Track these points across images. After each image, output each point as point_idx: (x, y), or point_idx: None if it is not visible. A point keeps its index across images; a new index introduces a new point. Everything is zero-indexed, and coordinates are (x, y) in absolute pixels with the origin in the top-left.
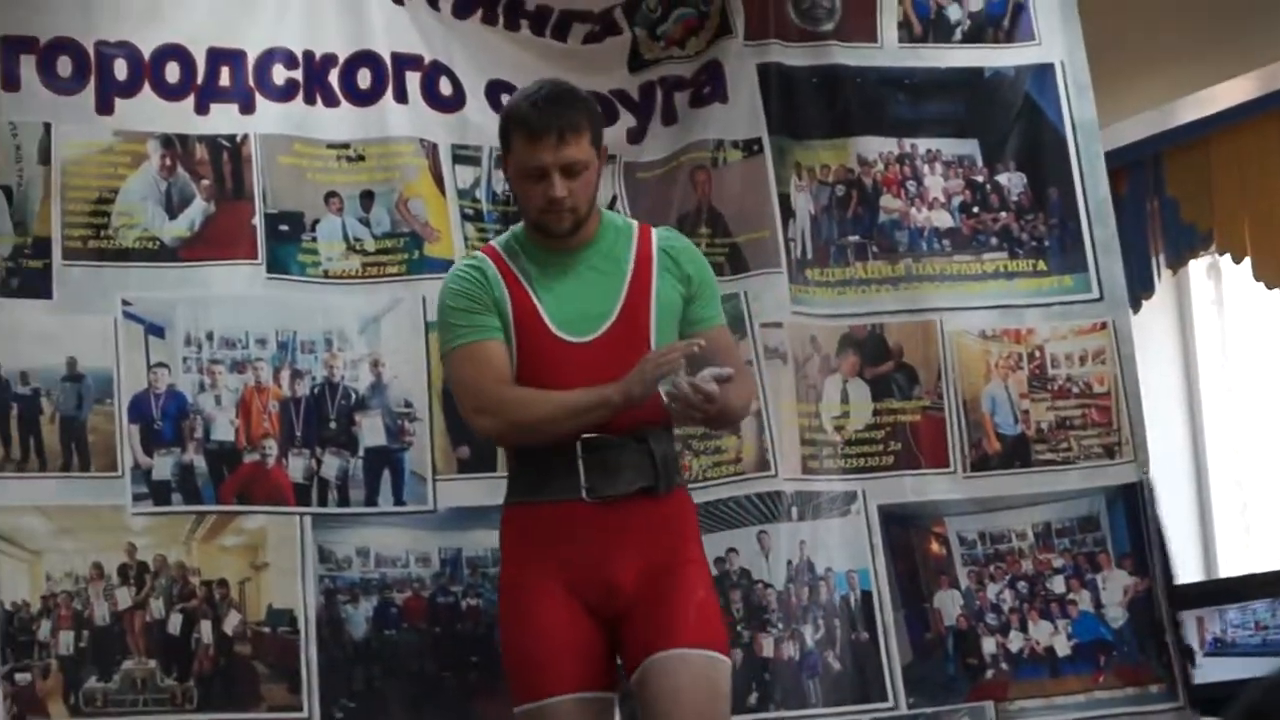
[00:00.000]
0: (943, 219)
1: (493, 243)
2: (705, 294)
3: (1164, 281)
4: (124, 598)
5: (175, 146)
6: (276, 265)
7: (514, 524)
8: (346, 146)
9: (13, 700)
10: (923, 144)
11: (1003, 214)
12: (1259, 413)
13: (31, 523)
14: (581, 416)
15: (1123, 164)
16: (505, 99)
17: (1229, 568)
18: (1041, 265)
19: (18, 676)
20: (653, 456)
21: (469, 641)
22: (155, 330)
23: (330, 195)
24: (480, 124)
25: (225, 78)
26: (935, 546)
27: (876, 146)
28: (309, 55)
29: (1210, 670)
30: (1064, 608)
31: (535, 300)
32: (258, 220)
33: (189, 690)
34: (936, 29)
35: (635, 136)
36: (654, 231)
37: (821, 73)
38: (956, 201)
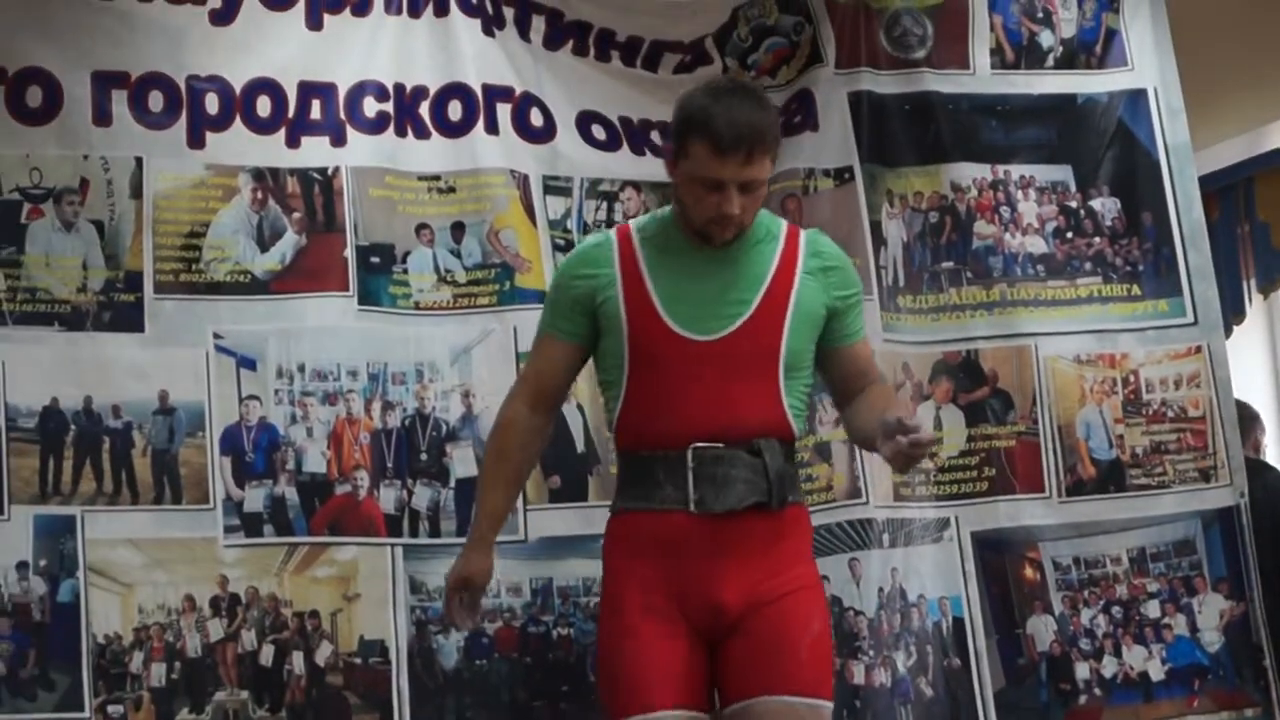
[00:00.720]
0: (1037, 244)
1: (633, 225)
2: (853, 307)
3: (1255, 305)
4: (216, 629)
5: (266, 179)
6: (368, 297)
7: (617, 533)
8: (438, 178)
9: None
10: (1016, 170)
11: (1097, 239)
12: None
13: (124, 555)
14: (477, 498)
15: (1214, 188)
16: (596, 129)
17: None
18: (1136, 290)
19: (110, 709)
20: (767, 470)
21: (560, 670)
22: (247, 363)
23: (421, 227)
24: (570, 154)
25: (316, 111)
26: (1029, 572)
27: (970, 173)
28: (399, 87)
29: None
30: (1159, 632)
31: (650, 289)
32: (349, 252)
33: None
34: (1029, 55)
35: None
36: (803, 234)
37: (913, 100)
38: (1050, 227)
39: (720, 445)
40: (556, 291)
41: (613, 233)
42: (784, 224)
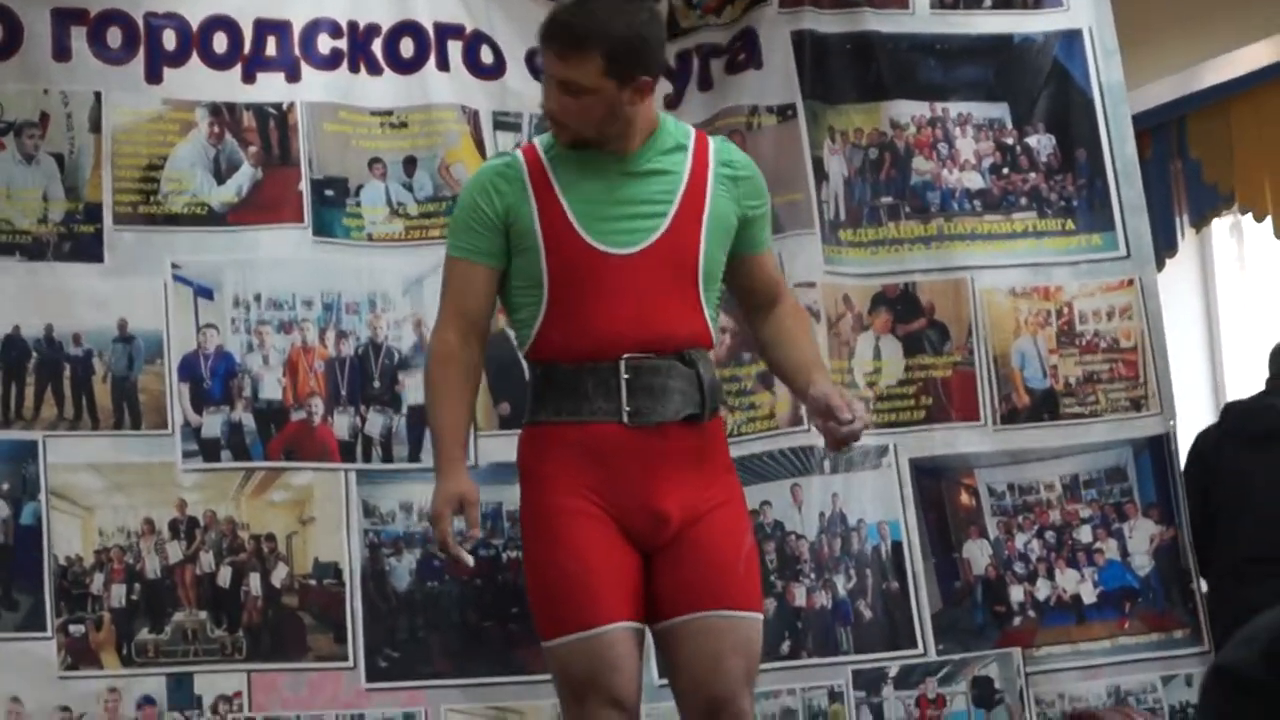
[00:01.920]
0: (973, 180)
1: (537, 143)
2: (763, 217)
3: (1187, 240)
4: (175, 552)
5: (223, 114)
6: (322, 229)
7: (539, 444)
8: (390, 114)
9: (67, 651)
10: (954, 108)
11: (1032, 175)
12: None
13: (84, 480)
14: (432, 427)
15: (1147, 127)
16: None
17: None
18: (1070, 224)
19: (71, 629)
20: (700, 380)
21: (510, 592)
22: (204, 292)
23: (374, 161)
24: (520, 91)
25: (272, 47)
26: (965, 498)
27: (909, 110)
28: (353, 25)
29: None
30: (1091, 556)
31: (564, 205)
32: (304, 185)
33: (238, 641)
34: None
35: (672, 102)
36: (712, 142)
37: (854, 39)
38: (987, 163)
39: (654, 355)
40: (465, 213)
41: (516, 154)
42: (692, 131)
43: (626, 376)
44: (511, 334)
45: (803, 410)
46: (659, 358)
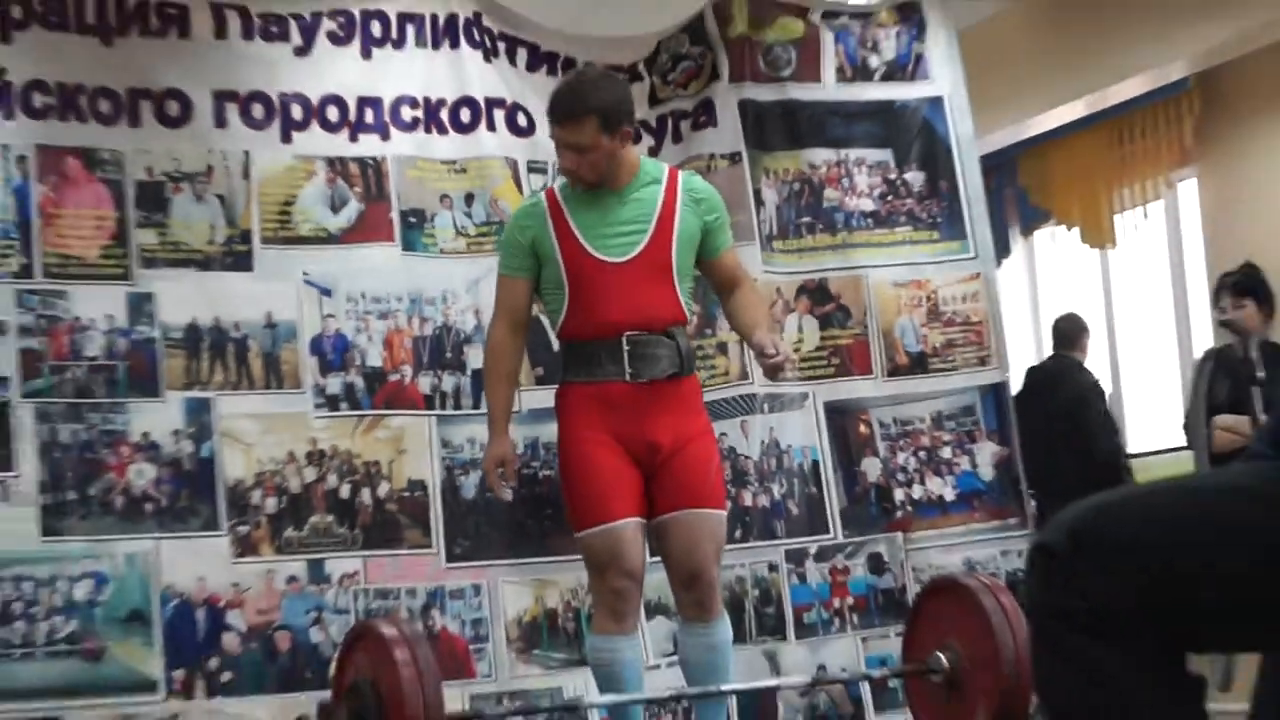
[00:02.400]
0: (867, 204)
1: (555, 186)
2: (720, 226)
3: (1018, 245)
4: (310, 474)
5: (335, 165)
6: (408, 245)
7: (569, 398)
8: (454, 163)
9: (236, 544)
10: (853, 153)
11: (909, 200)
12: None
13: (246, 425)
14: (487, 401)
15: (990, 164)
16: None
17: None
18: (935, 235)
19: (239, 529)
20: (679, 349)
21: (544, 499)
22: (325, 292)
23: (443, 197)
24: (546, 145)
25: (369, 117)
26: (863, 429)
27: (822, 156)
28: (427, 99)
29: None
30: (950, 468)
31: (575, 230)
32: (394, 215)
33: (355, 536)
34: (862, 73)
35: (653, 152)
36: (680, 176)
37: (782, 104)
38: (877, 192)
39: (646, 333)
40: (508, 242)
41: (540, 196)
42: (665, 168)
43: (627, 348)
44: (545, 319)
45: (747, 369)
46: (650, 334)
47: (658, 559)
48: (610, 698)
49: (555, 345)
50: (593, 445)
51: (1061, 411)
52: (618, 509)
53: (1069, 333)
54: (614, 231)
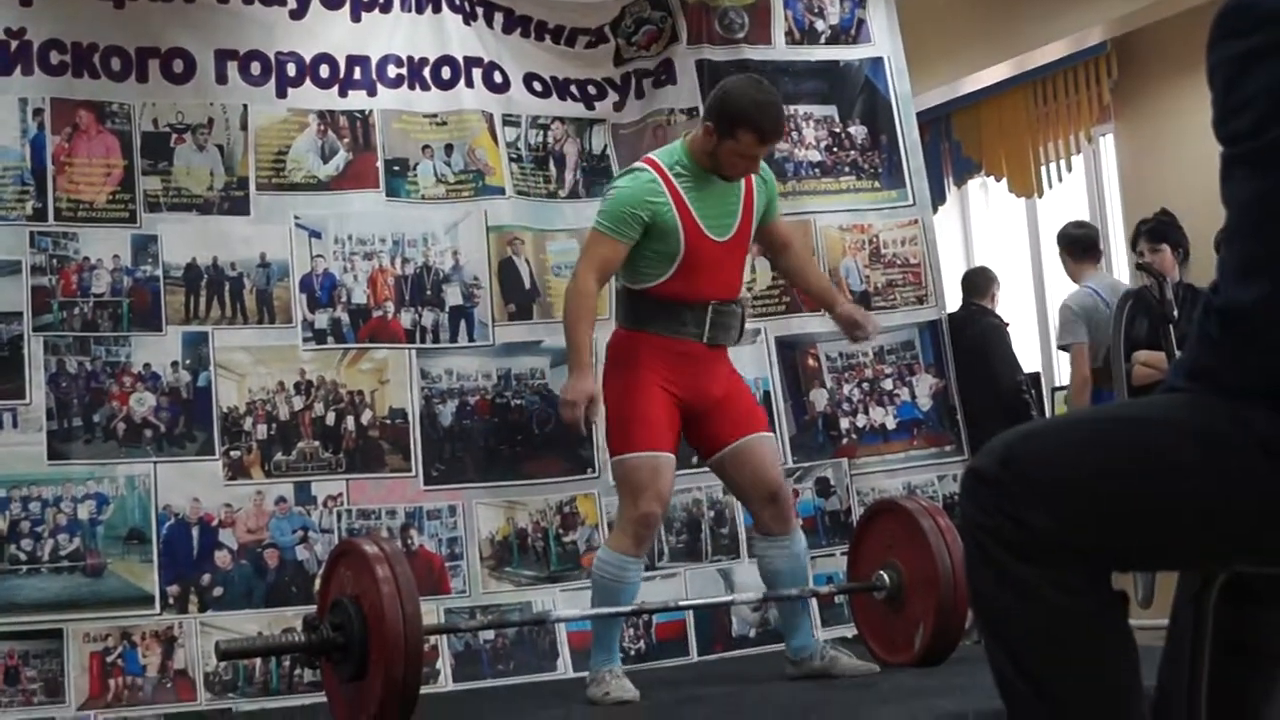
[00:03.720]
0: (814, 156)
1: (661, 162)
2: (775, 196)
3: (952, 194)
4: (298, 403)
5: (326, 118)
6: (392, 192)
7: (642, 344)
8: (436, 115)
9: (228, 467)
10: (802, 108)
11: (853, 152)
12: (1008, 278)
13: (239, 356)
14: (569, 340)
15: (926, 119)
16: (536, 84)
17: None
18: (877, 185)
19: (232, 453)
20: (742, 320)
21: (517, 427)
22: (315, 234)
23: (425, 147)
24: (520, 100)
25: (358, 74)
26: (811, 362)
27: None
28: (410, 58)
29: None
30: (892, 398)
31: (693, 212)
32: (379, 164)
33: (340, 460)
34: (809, 35)
35: (618, 107)
36: None
37: (736, 63)
38: (824, 144)
39: (726, 303)
40: (629, 209)
41: (652, 171)
42: None
43: (711, 316)
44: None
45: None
46: (728, 305)
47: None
48: (600, 611)
49: (539, 286)
50: (657, 386)
51: (970, 350)
52: (666, 442)
53: (978, 283)
54: (718, 213)
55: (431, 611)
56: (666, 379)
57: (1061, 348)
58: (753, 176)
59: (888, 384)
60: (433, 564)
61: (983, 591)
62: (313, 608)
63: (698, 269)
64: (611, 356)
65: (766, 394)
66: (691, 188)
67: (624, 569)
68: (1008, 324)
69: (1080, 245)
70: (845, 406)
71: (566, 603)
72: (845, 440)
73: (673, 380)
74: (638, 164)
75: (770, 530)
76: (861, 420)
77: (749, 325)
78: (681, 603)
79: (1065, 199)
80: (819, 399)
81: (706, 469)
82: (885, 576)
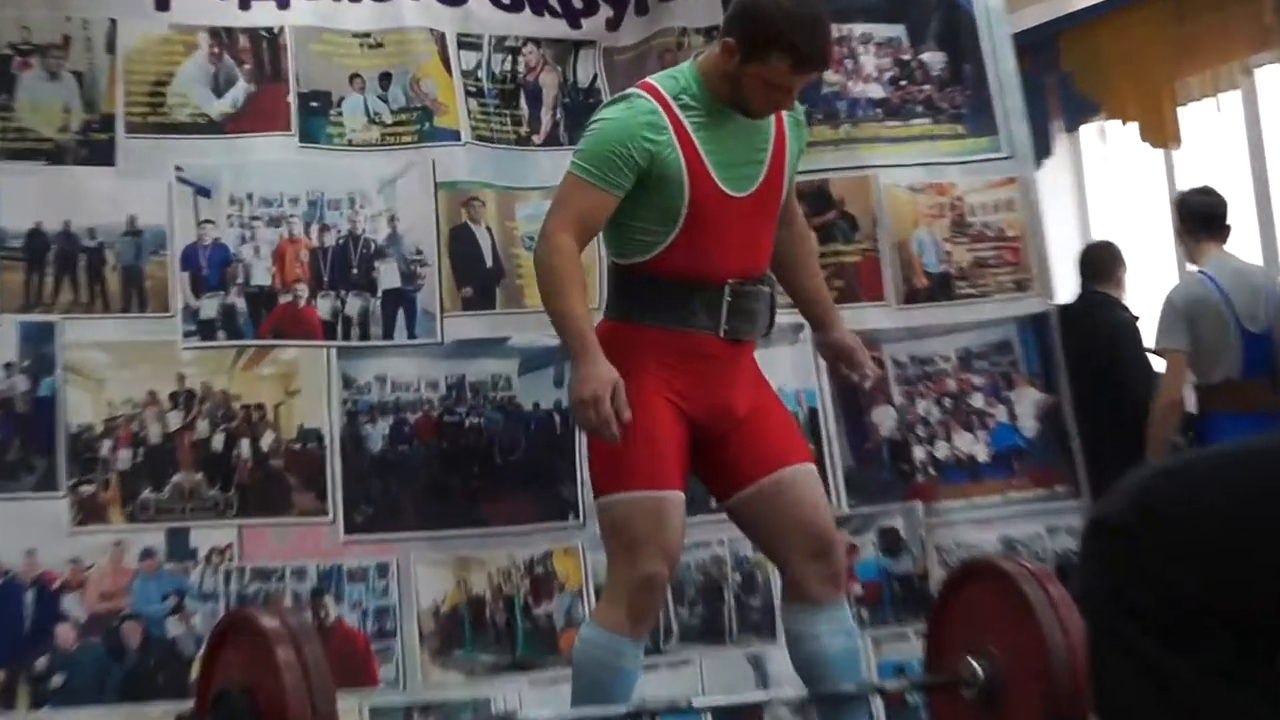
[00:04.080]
0: (876, 91)
1: (662, 89)
2: (801, 153)
3: (1061, 143)
4: (174, 420)
5: (222, 37)
6: (308, 136)
7: (638, 341)
8: (368, 35)
9: (78, 508)
10: (858, 28)
11: (926, 86)
12: (1139, 256)
13: (96, 356)
14: (557, 321)
15: (1025, 44)
16: None
17: None
18: (960, 129)
19: (82, 488)
20: (773, 303)
21: (472, 454)
22: (203, 192)
23: (354, 77)
24: (481, 15)
25: None
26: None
27: None
28: None
29: None
30: (983, 420)
31: (703, 156)
32: (291, 99)
33: (230, 499)
34: None
35: (613, 25)
36: None
37: None
38: (887, 76)
39: (748, 281)
40: (618, 147)
41: (653, 100)
42: None
43: (729, 299)
44: (606, 242)
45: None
46: (753, 284)
47: None
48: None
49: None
50: (660, 400)
51: (1090, 354)
52: (669, 476)
53: (1100, 263)
54: (738, 159)
55: (353, 710)
56: (672, 389)
57: (1154, 353)
58: (786, 119)
59: (978, 400)
60: (355, 644)
61: (1109, 685)
62: (188, 703)
63: (708, 233)
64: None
65: (812, 413)
66: (703, 124)
67: (617, 653)
68: (1139, 318)
69: (1201, 218)
70: (920, 431)
71: (538, 701)
72: (920, 477)
73: (680, 390)
74: (633, 89)
75: (815, 597)
76: (942, 450)
77: (786, 318)
78: (697, 702)
79: (1213, 149)
80: (884, 420)
81: (724, 516)
82: (976, 667)
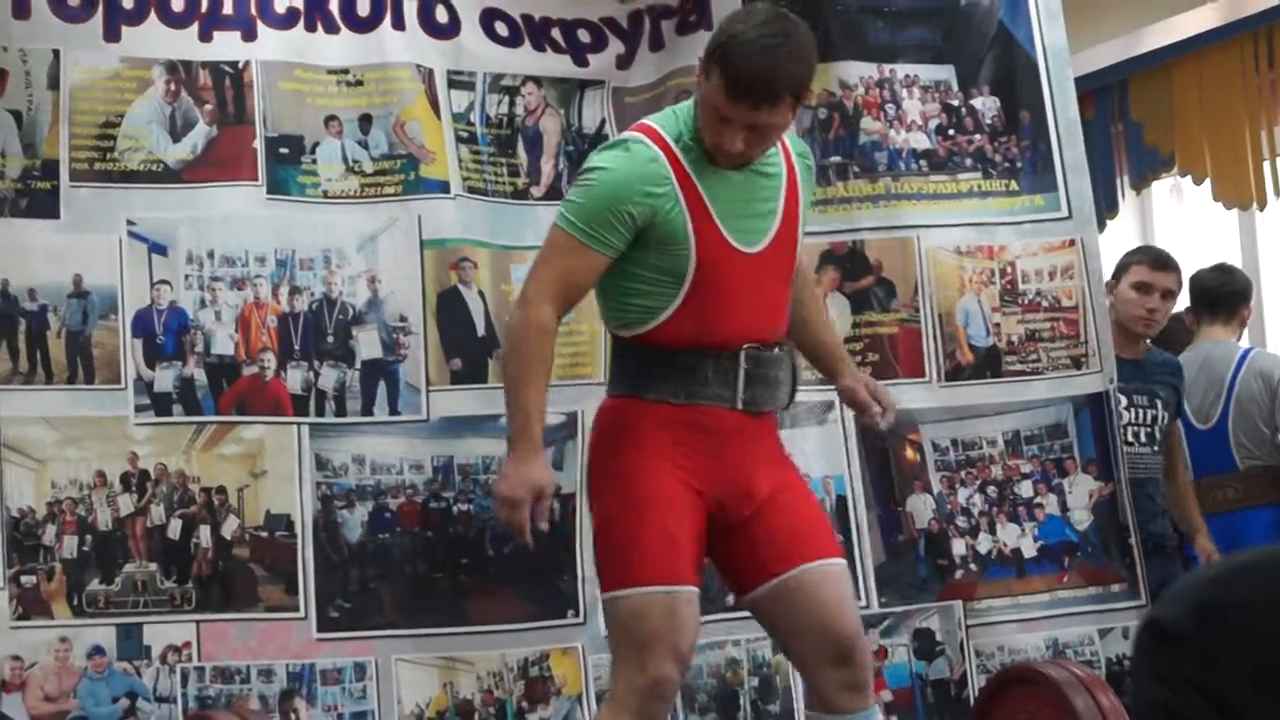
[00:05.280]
0: (920, 140)
1: (663, 132)
2: (810, 205)
3: (1128, 201)
4: (126, 504)
5: (179, 72)
6: (277, 186)
7: (631, 414)
8: (346, 72)
9: (18, 601)
10: (901, 69)
11: (977, 136)
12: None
13: (38, 433)
14: (509, 402)
15: (1090, 89)
16: (499, 26)
17: None
18: (1014, 185)
19: (23, 579)
20: (795, 371)
21: (461, 544)
22: (158, 249)
23: (330, 119)
24: (475, 50)
25: (228, 6)
26: (909, 453)
27: (857, 71)
28: None
29: None
30: (1031, 511)
31: (711, 210)
32: (258, 143)
33: (188, 592)
34: None
35: (624, 63)
36: (790, 141)
37: (803, 0)
38: (933, 124)
39: (765, 347)
40: (609, 204)
41: (653, 145)
42: None
43: (746, 367)
44: (604, 311)
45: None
46: (771, 349)
47: None
48: None
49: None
50: (673, 483)
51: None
52: (684, 570)
53: (1170, 333)
54: (748, 211)
55: None
56: (685, 469)
57: None
58: (792, 156)
59: (1026, 489)
60: None
61: None
62: None
63: (719, 295)
64: (599, 438)
65: (841, 500)
66: (707, 171)
67: None
68: None
69: (1203, 297)
70: (961, 522)
71: None
72: (960, 574)
73: (694, 471)
74: (629, 133)
75: (838, 706)
76: (985, 543)
77: (815, 395)
78: None
79: None
80: (920, 509)
81: (744, 613)
82: None
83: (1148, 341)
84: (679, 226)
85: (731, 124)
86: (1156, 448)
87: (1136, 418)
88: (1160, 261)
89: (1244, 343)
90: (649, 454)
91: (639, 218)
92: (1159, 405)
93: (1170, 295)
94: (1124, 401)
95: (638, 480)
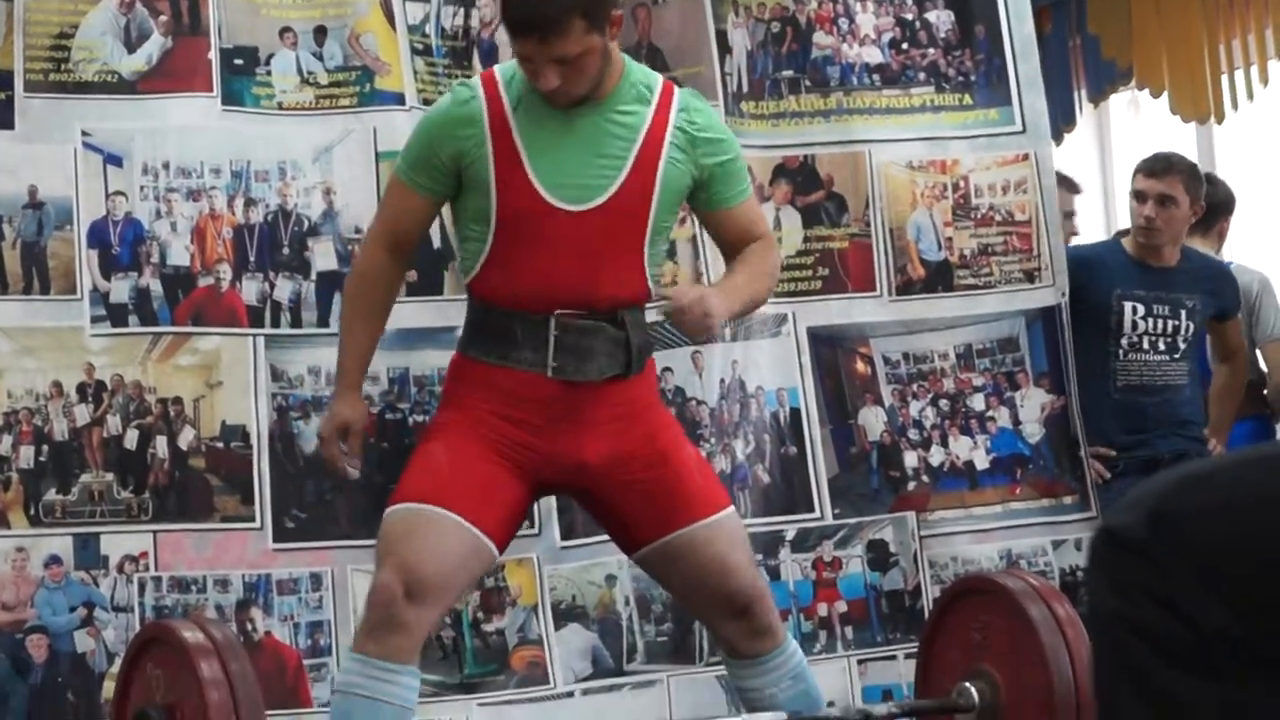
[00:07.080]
0: (873, 55)
1: (499, 73)
2: (727, 174)
3: (1086, 114)
4: (82, 414)
5: None
6: (231, 98)
7: (469, 376)
8: None
9: None
10: None
11: (930, 50)
12: None
13: None
14: (342, 343)
15: (1047, 2)
16: None
17: None
18: (967, 99)
19: None
20: (629, 344)
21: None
22: (113, 160)
23: (285, 30)
24: None
25: None
26: (861, 366)
27: None
28: None
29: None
30: (983, 424)
31: (524, 156)
32: (213, 54)
33: (144, 502)
34: None
35: None
36: (676, 97)
37: None
38: (886, 38)
39: (584, 315)
40: (422, 146)
41: (479, 86)
42: (659, 84)
43: (555, 333)
44: (455, 244)
45: (704, 279)
46: (590, 318)
47: (568, 544)
48: None
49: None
50: (466, 434)
51: None
52: (446, 498)
53: None
54: (576, 164)
55: None
56: (504, 427)
57: None
58: (670, 115)
59: (978, 402)
60: (286, 662)
61: (1118, 713)
62: None
63: (528, 251)
64: (443, 390)
65: (794, 414)
66: (536, 118)
67: (370, 680)
68: None
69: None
70: (913, 435)
71: None
72: (912, 485)
73: (516, 440)
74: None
75: (749, 651)
76: (938, 455)
77: (768, 309)
78: None
79: (1258, 125)
80: (873, 423)
81: None
82: (973, 691)
83: (1180, 249)
84: (482, 170)
85: (533, 61)
86: (1179, 355)
87: (1154, 327)
88: (1152, 169)
89: (1224, 256)
90: (466, 408)
91: (448, 160)
92: (1183, 315)
93: (1169, 200)
94: (1140, 310)
95: (444, 426)
